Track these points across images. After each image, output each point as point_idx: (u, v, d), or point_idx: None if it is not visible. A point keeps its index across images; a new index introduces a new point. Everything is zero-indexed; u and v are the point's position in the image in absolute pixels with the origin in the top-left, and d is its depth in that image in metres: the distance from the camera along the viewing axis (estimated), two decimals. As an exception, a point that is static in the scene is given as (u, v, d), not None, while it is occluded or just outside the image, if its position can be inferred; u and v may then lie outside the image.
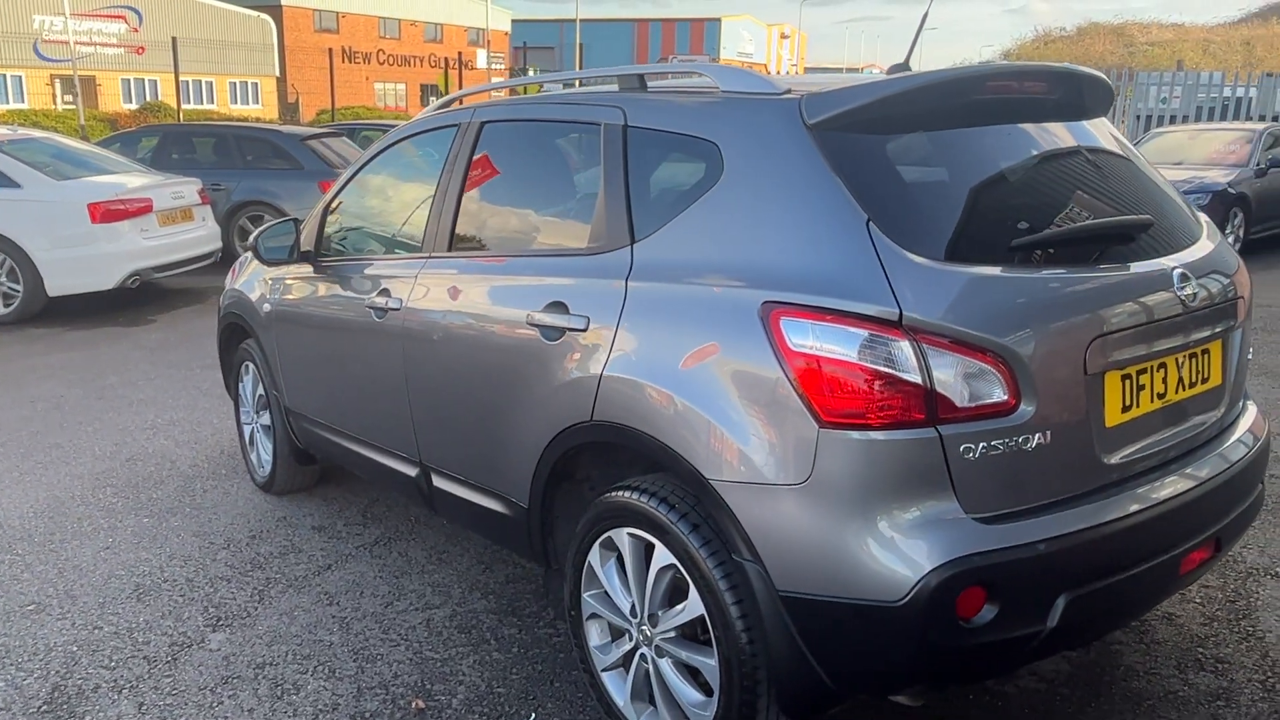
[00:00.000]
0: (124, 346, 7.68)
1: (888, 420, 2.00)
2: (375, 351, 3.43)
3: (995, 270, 2.12)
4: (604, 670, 2.65)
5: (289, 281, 4.04)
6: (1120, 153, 2.65)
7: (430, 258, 3.22)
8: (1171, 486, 2.31)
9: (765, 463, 2.11)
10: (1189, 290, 2.34)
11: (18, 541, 4.12)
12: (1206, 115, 17.47)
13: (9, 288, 8.13)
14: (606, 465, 2.67)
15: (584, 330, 2.53)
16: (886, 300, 2.02)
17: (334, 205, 3.88)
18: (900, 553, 2.00)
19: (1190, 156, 11.99)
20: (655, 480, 2.41)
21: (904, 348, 2.00)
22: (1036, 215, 2.31)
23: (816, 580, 2.06)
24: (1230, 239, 10.81)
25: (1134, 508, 2.21)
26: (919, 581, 1.97)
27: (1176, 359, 2.38)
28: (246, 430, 4.75)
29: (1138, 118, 18.06)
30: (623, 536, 2.49)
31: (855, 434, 2.01)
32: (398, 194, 3.70)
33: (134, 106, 35.51)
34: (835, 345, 2.03)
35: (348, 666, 3.11)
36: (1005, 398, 2.04)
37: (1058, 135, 2.53)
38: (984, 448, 2.03)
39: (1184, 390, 2.41)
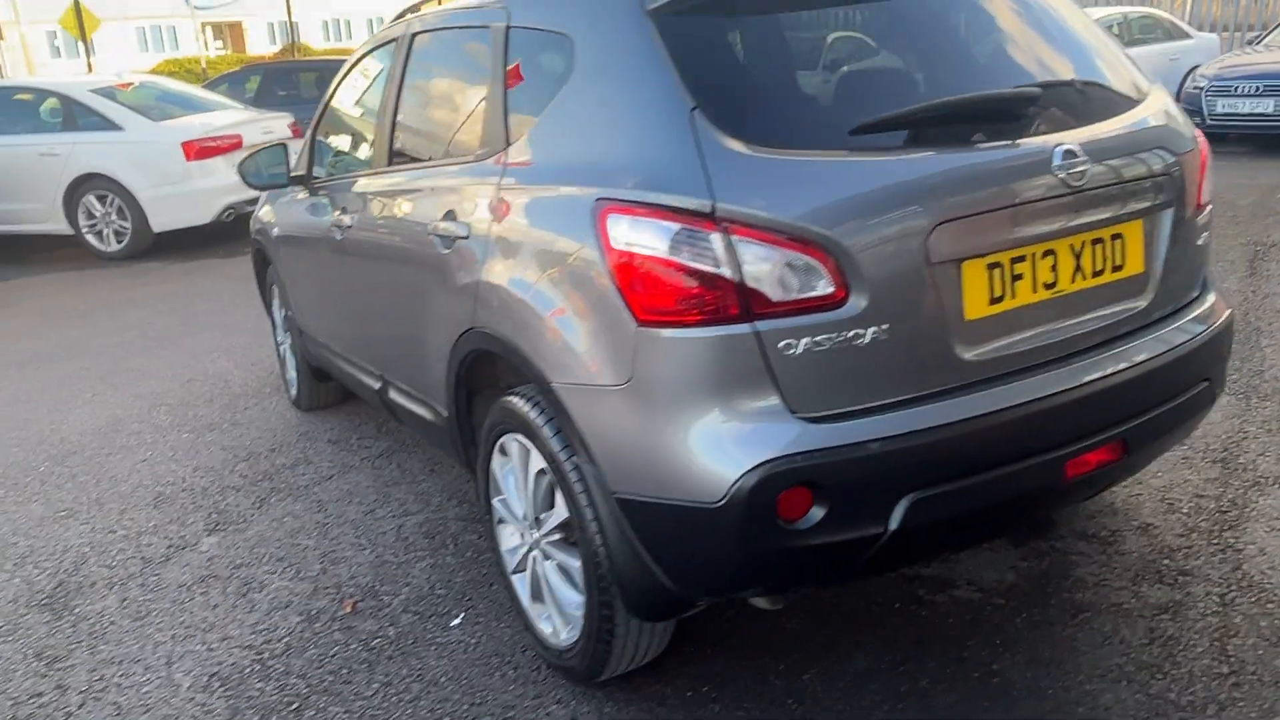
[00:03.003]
0: (216, 277, 8.16)
1: (701, 318, 1.93)
2: (340, 270, 3.54)
3: (826, 156, 1.99)
4: (512, 573, 2.71)
5: (289, 205, 4.19)
6: (1025, 11, 2.40)
7: (374, 174, 3.28)
8: (1058, 382, 2.14)
9: (594, 364, 2.08)
10: (1079, 169, 2.12)
11: (72, 455, 4.50)
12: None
13: (119, 225, 8.74)
14: (518, 372, 2.69)
15: (467, 238, 2.54)
16: (700, 191, 1.93)
17: (320, 126, 3.98)
18: (718, 453, 1.94)
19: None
20: (533, 386, 2.42)
21: (715, 240, 1.91)
22: (897, 94, 2.14)
23: (644, 482, 2.04)
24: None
25: (1000, 404, 2.06)
26: (736, 482, 1.91)
27: (1071, 245, 2.18)
28: (281, 350, 5.00)
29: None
30: (511, 442, 2.52)
31: (670, 332, 1.95)
32: (360, 111, 3.75)
33: (276, 49, 37.01)
34: (649, 240, 1.96)
35: (313, 568, 3.29)
36: (831, 290, 1.93)
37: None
38: (808, 344, 1.93)
39: (1085, 279, 2.21)
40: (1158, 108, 2.43)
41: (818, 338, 1.93)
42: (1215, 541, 2.93)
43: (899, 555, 2.15)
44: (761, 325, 1.92)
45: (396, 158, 3.18)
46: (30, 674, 2.83)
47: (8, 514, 3.93)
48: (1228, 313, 2.55)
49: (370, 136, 3.40)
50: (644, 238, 1.97)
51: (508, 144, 2.47)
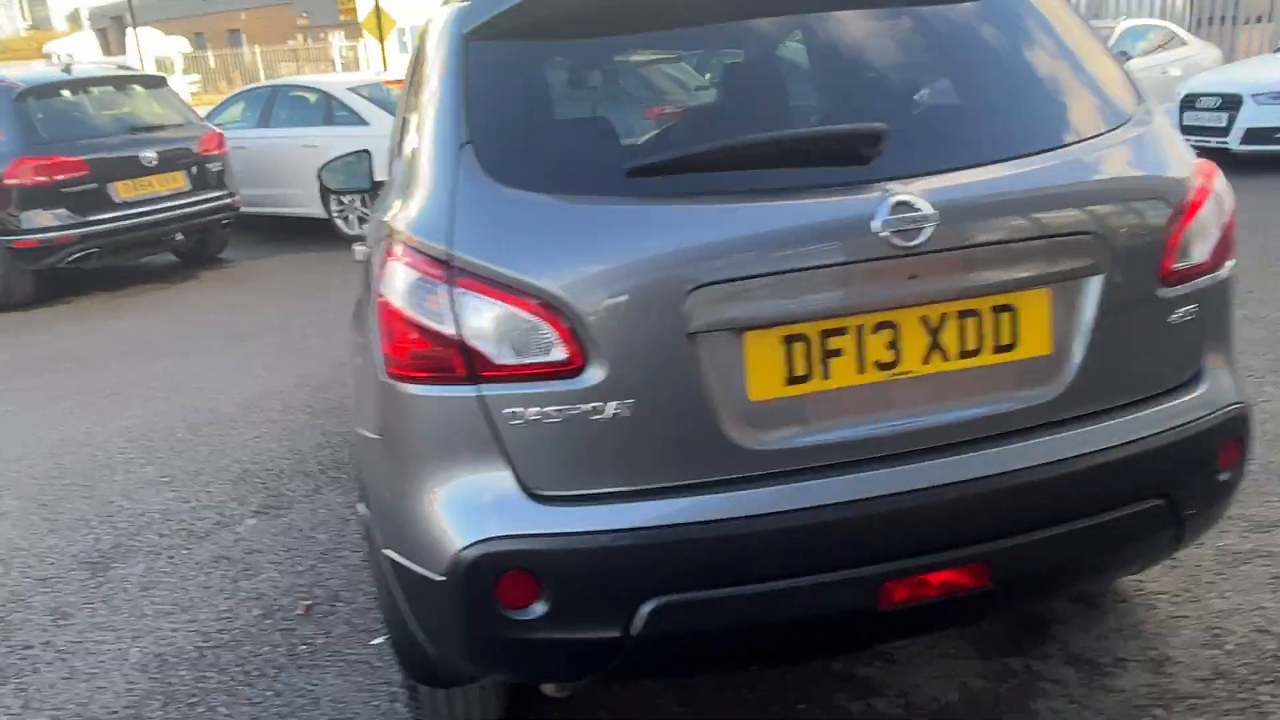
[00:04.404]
0: (427, 264, 8.72)
1: (428, 375, 1.78)
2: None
3: (584, 202, 1.74)
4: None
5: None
6: (925, 28, 1.96)
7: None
8: (882, 483, 1.74)
9: (366, 411, 1.99)
10: (915, 226, 1.70)
11: (207, 426, 5.01)
12: None
13: (362, 211, 9.57)
14: None
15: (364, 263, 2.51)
16: (440, 235, 1.77)
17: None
18: (445, 524, 1.79)
19: None
20: None
21: (442, 291, 1.74)
22: (711, 132, 1.82)
23: (398, 542, 1.91)
24: None
25: (789, 505, 1.72)
26: (453, 558, 1.75)
27: (924, 317, 1.76)
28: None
29: None
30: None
31: (407, 388, 1.81)
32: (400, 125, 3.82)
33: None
34: (395, 284, 1.83)
35: (305, 564, 3.43)
36: (564, 357, 1.70)
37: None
38: (538, 414, 1.71)
39: (946, 360, 1.79)
40: (1114, 145, 1.90)
41: (548, 409, 1.71)
42: (1242, 696, 2.29)
43: (668, 663, 1.87)
44: (487, 389, 1.73)
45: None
46: (37, 627, 3.18)
47: (128, 475, 4.44)
48: (1228, 411, 1.96)
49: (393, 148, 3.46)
50: (393, 280, 1.84)
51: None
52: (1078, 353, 1.84)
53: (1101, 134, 1.91)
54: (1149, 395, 1.93)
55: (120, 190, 7.86)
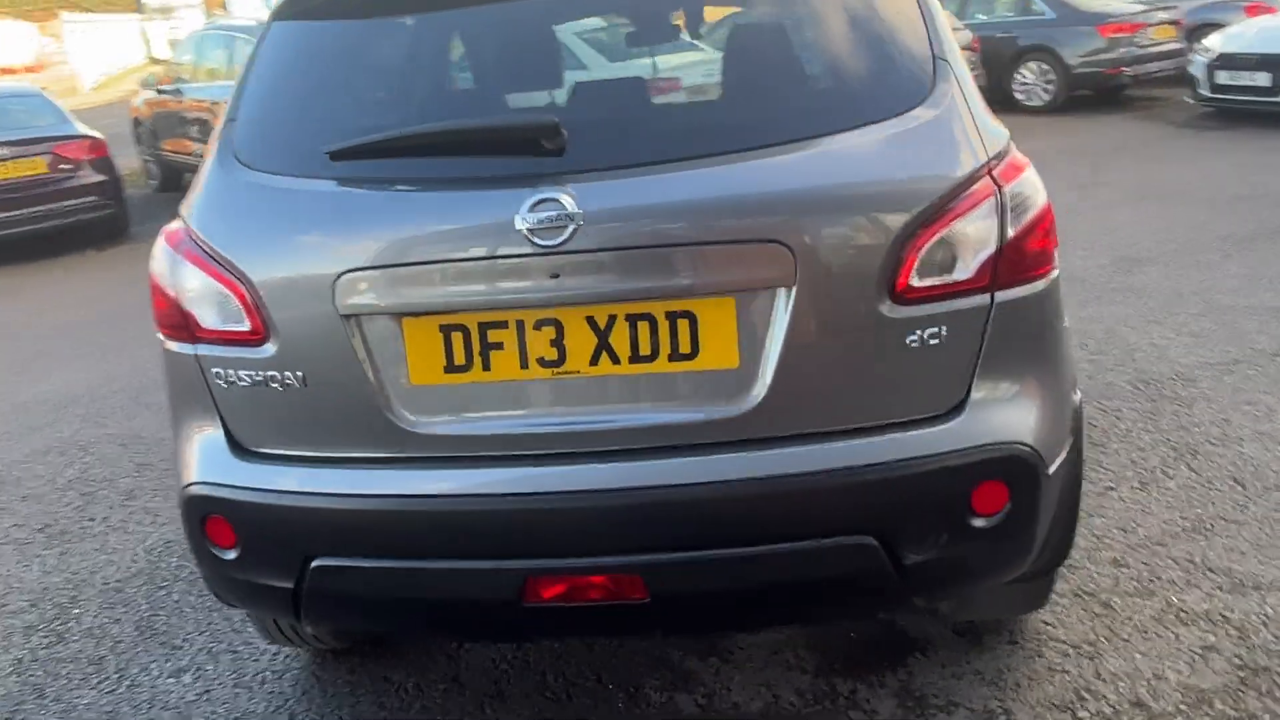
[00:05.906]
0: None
1: (169, 333, 1.99)
2: None
3: (278, 180, 1.86)
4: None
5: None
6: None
7: None
8: (538, 481, 1.74)
9: None
10: (559, 225, 1.65)
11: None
12: None
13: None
14: None
15: None
16: (187, 209, 1.97)
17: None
18: (181, 464, 2.01)
19: None
20: None
21: (171, 259, 1.93)
22: (415, 113, 1.85)
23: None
24: None
25: (440, 489, 1.77)
26: (180, 495, 1.99)
27: (591, 317, 1.71)
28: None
29: None
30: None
31: (163, 342, 2.03)
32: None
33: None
34: (154, 251, 2.03)
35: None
36: (248, 327, 1.84)
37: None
38: (233, 376, 1.88)
39: (617, 364, 1.72)
40: (847, 143, 1.70)
41: (240, 373, 1.88)
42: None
43: (341, 618, 2.00)
44: (201, 350, 1.92)
45: None
46: (108, 504, 3.81)
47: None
48: (989, 449, 1.73)
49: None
50: (155, 248, 2.05)
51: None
52: (768, 369, 1.70)
53: (836, 131, 1.71)
54: (879, 423, 1.74)
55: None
